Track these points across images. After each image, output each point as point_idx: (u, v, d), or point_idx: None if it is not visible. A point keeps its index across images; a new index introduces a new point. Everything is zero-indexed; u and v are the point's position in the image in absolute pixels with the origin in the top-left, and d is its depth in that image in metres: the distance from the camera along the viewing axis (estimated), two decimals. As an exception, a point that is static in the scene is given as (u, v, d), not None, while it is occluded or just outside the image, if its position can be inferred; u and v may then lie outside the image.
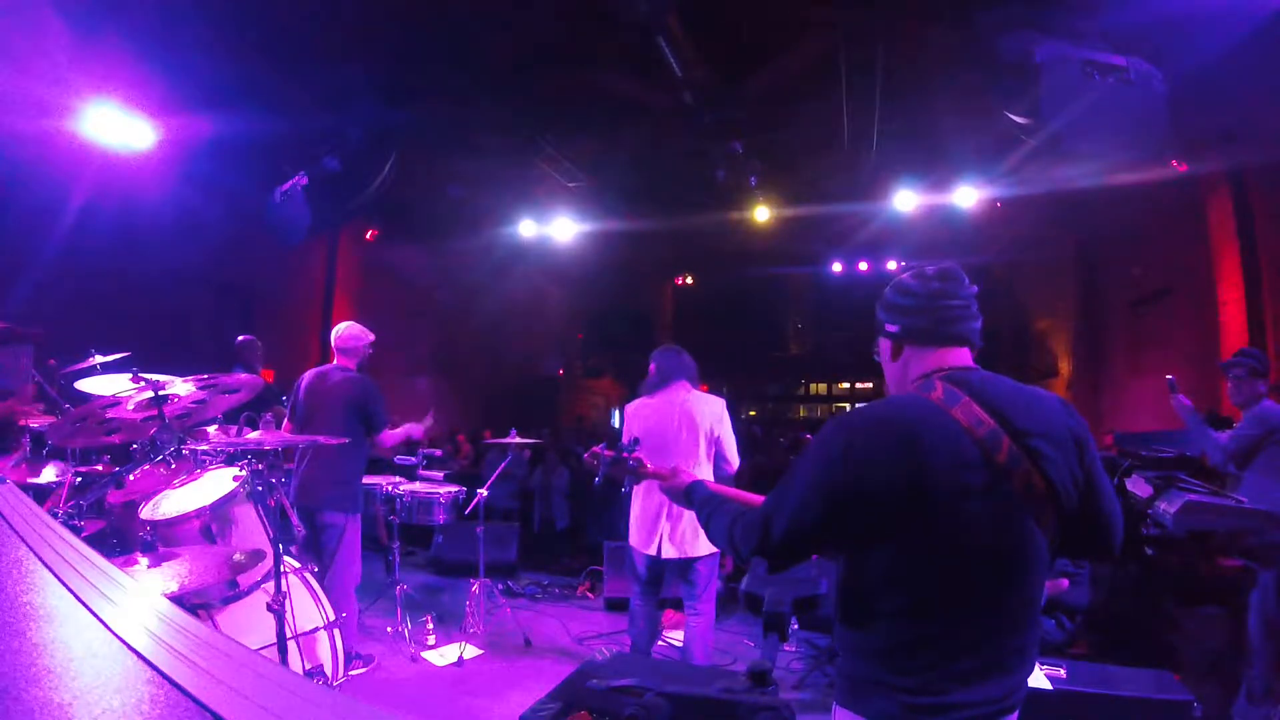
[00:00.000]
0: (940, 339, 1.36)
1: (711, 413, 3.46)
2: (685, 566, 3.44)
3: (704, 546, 3.37)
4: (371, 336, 4.01)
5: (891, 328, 1.40)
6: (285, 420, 3.90)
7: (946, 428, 1.22)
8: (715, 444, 3.46)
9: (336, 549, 3.68)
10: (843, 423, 1.30)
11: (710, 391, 3.74)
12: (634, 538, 3.54)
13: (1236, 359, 3.48)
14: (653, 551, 3.42)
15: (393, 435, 3.99)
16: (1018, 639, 1.28)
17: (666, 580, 3.66)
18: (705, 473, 3.43)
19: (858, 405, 1.51)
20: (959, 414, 1.23)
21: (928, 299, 1.36)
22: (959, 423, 1.22)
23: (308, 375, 3.94)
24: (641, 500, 3.53)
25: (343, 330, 3.96)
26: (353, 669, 3.53)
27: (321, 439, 2.91)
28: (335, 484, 3.69)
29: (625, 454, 1.95)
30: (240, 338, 5.69)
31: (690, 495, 1.63)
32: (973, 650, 1.24)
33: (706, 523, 1.51)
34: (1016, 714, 1.32)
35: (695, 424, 3.42)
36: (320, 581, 3.02)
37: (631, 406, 3.60)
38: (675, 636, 4.46)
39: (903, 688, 1.23)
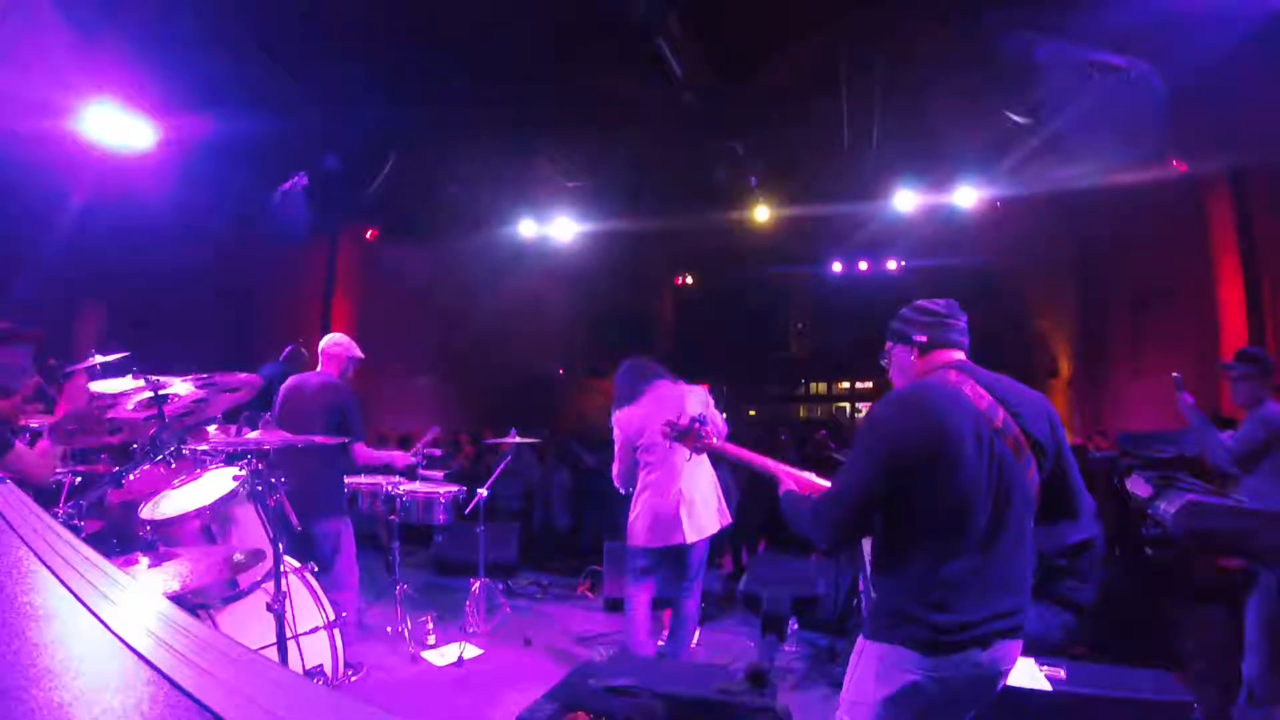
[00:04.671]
0: (951, 344, 1.82)
1: (697, 398, 3.64)
2: (685, 552, 3.61)
3: (710, 528, 3.60)
4: (359, 352, 4.04)
5: (920, 337, 1.83)
6: None
7: (960, 400, 1.65)
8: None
9: (334, 556, 3.68)
10: (886, 402, 1.73)
11: (710, 392, 3.83)
12: (641, 537, 3.60)
13: (1237, 360, 3.45)
14: (676, 541, 3.54)
15: (368, 452, 3.90)
16: (1015, 567, 1.65)
17: (662, 573, 3.75)
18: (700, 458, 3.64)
19: (890, 392, 1.87)
20: (968, 391, 1.66)
21: (943, 318, 1.83)
22: (968, 397, 1.65)
23: (287, 384, 3.94)
24: (652, 499, 3.61)
25: (330, 338, 4.03)
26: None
27: (318, 439, 2.91)
28: (319, 493, 3.66)
29: (697, 425, 2.29)
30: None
31: (785, 496, 1.96)
32: (980, 574, 1.59)
33: (793, 511, 1.87)
34: (1020, 643, 1.67)
35: (679, 409, 3.52)
36: (325, 588, 3.02)
37: (620, 416, 3.75)
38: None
39: (929, 607, 1.57)
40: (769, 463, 2.09)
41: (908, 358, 1.84)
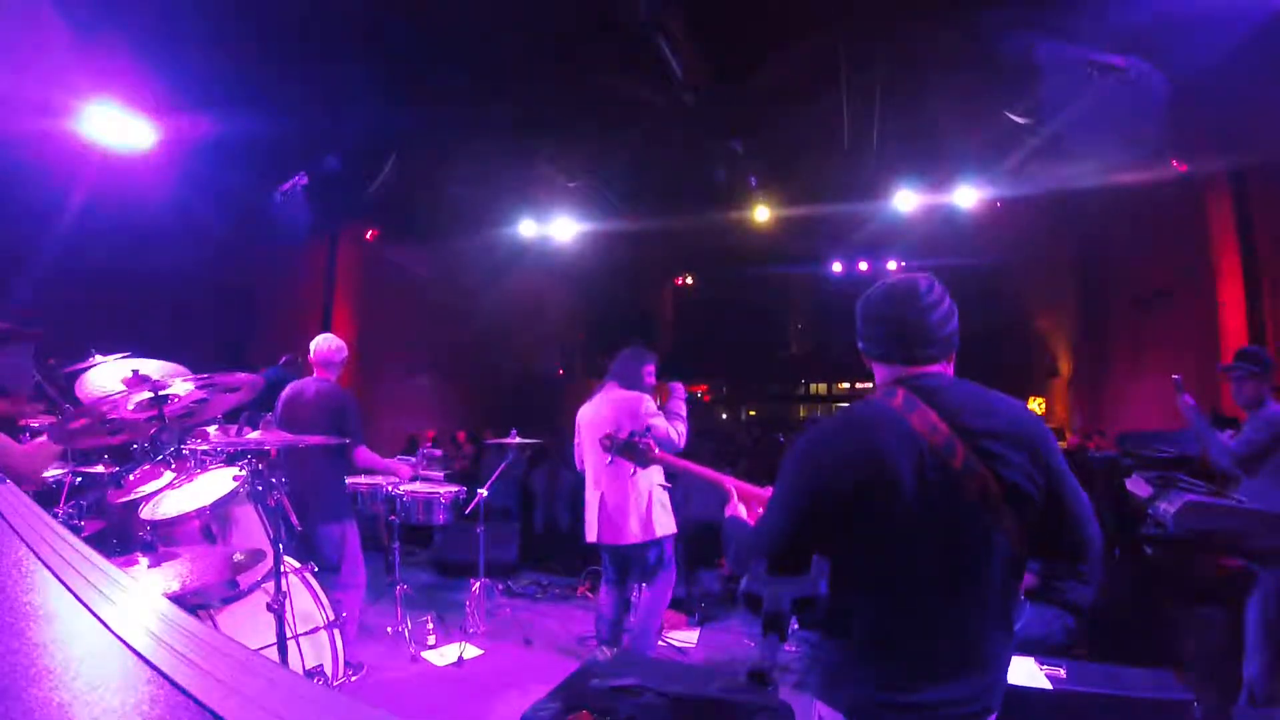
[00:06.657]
0: (890, 359, 1.43)
1: (625, 410, 3.66)
2: (637, 552, 3.72)
3: (630, 535, 3.66)
4: (347, 351, 4.04)
5: (859, 343, 1.49)
6: None
7: (903, 433, 1.30)
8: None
9: (341, 559, 3.68)
10: (809, 434, 1.42)
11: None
12: (587, 531, 3.82)
13: (1237, 360, 3.44)
14: (592, 539, 3.75)
15: (370, 456, 3.87)
16: (981, 639, 1.32)
17: (623, 570, 3.88)
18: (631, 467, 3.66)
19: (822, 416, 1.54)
20: (916, 421, 1.30)
21: (870, 327, 1.45)
22: (916, 430, 1.29)
23: (286, 392, 3.92)
24: (587, 494, 3.81)
25: (323, 344, 3.95)
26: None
27: (317, 439, 2.91)
28: (321, 496, 3.66)
29: (636, 438, 2.12)
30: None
31: (728, 522, 1.70)
32: (934, 647, 1.30)
33: (728, 543, 1.58)
34: (995, 716, 1.36)
35: (607, 422, 3.68)
36: (331, 590, 3.03)
37: (581, 410, 3.92)
38: (674, 638, 4.46)
39: (871, 679, 1.31)
40: (717, 476, 1.89)
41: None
